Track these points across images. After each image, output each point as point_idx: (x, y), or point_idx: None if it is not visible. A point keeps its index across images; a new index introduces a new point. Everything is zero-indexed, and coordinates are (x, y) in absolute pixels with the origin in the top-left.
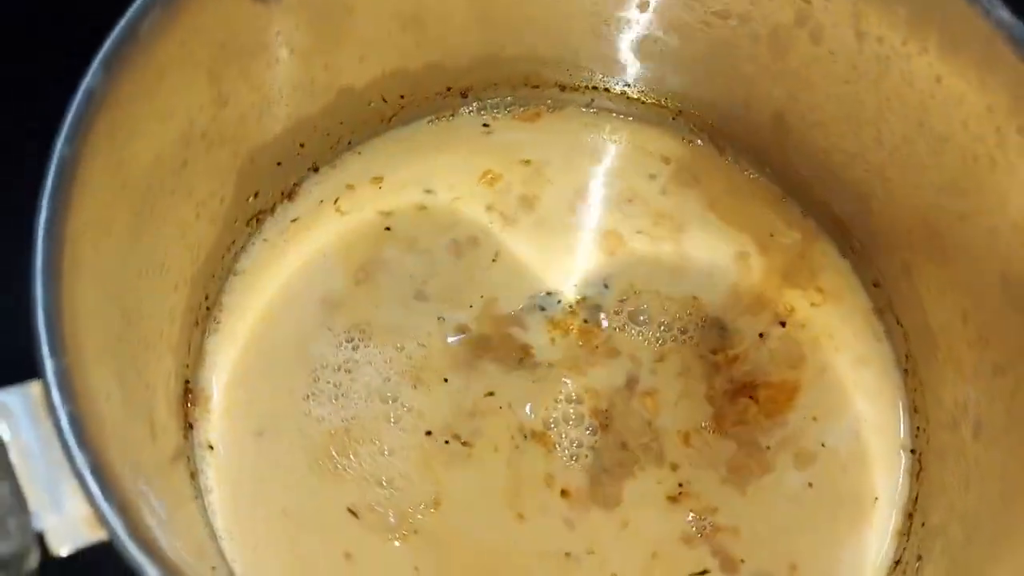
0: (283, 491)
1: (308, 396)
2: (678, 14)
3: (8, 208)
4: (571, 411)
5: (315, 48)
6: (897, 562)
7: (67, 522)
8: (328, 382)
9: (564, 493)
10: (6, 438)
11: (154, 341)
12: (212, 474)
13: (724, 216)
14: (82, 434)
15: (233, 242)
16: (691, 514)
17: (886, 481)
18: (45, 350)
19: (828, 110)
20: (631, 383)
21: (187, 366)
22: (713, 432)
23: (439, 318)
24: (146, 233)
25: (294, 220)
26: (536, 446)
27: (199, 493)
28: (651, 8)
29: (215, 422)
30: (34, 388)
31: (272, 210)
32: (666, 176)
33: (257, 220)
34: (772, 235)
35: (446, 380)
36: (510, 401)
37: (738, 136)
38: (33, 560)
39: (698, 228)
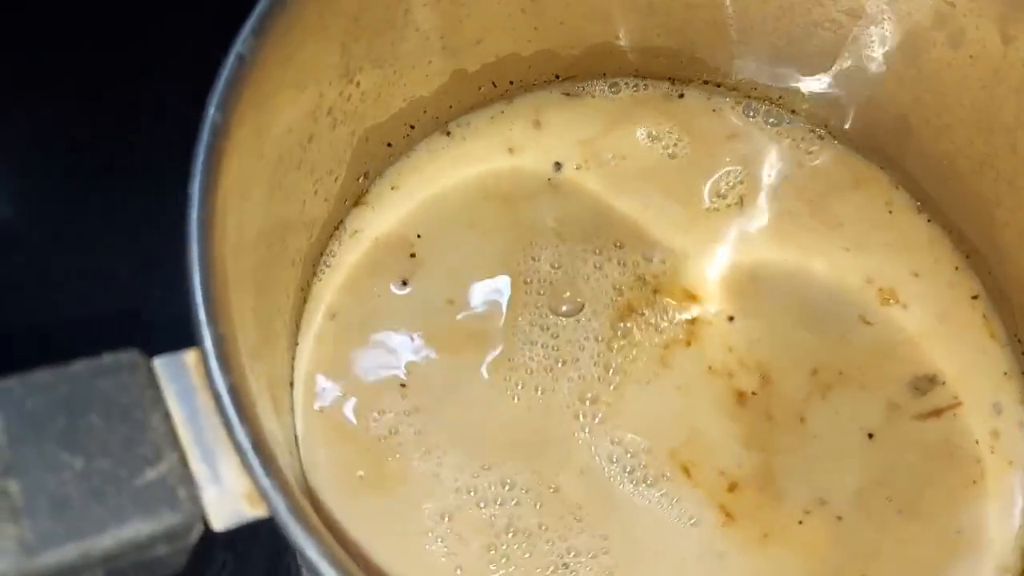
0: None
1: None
2: (807, 10)
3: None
4: None
5: (437, 29)
6: None
7: (226, 498)
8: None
9: None
10: (172, 407)
11: (275, 317)
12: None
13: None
14: (240, 407)
15: (341, 222)
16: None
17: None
18: (202, 317)
19: (958, 114)
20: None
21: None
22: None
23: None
24: (274, 206)
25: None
26: None
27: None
28: (778, 4)
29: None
30: (190, 357)
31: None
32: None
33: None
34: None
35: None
36: None
37: (854, 135)
38: (196, 534)
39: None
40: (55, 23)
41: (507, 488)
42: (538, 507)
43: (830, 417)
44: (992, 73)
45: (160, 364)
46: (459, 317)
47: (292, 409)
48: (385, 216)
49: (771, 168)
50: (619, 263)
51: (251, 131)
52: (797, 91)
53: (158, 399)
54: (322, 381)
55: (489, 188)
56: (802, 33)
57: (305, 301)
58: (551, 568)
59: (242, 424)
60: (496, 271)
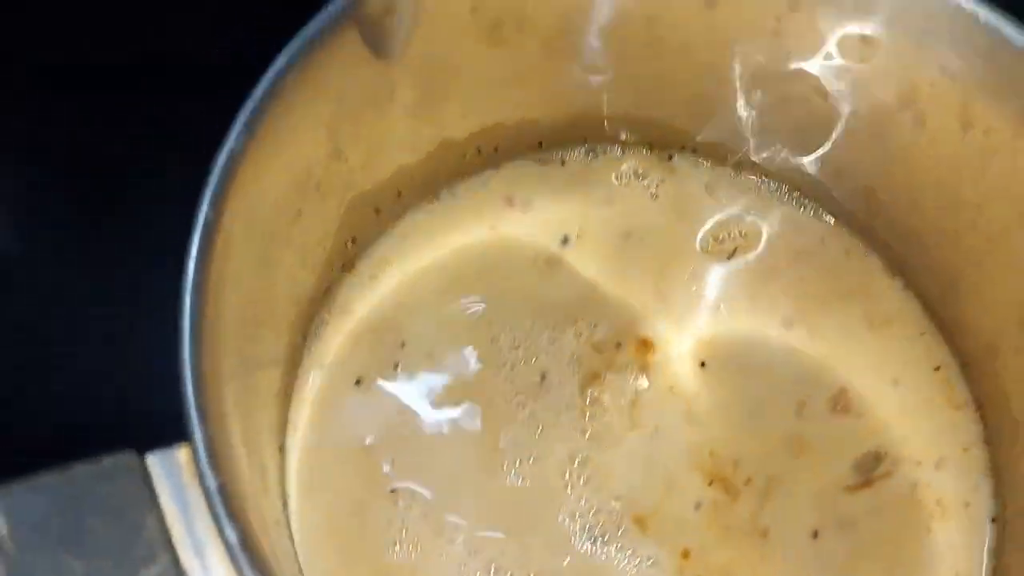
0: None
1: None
2: (778, 86)
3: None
4: None
5: (423, 104)
6: None
7: None
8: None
9: None
10: (164, 505)
11: (265, 396)
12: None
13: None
14: (230, 506)
15: (328, 288)
16: None
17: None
18: (194, 417)
19: (925, 191)
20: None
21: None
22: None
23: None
24: (263, 284)
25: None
26: None
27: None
28: (753, 83)
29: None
30: (181, 454)
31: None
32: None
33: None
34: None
35: None
36: None
37: (824, 201)
38: None
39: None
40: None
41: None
42: None
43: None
44: (953, 155)
45: (153, 461)
46: (439, 395)
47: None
48: (371, 288)
49: (742, 235)
50: (578, 335)
51: (242, 221)
52: (771, 159)
53: (152, 500)
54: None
55: (472, 259)
56: (776, 107)
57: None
58: None
59: (230, 522)
60: (472, 344)
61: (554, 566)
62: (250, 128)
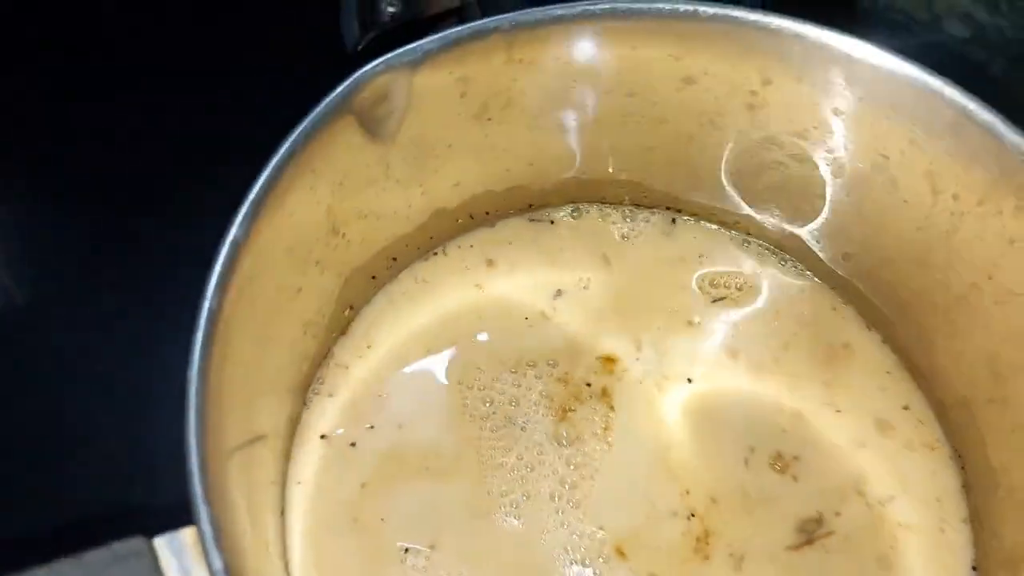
0: None
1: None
2: (754, 155)
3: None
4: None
5: (415, 179)
6: None
7: None
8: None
9: None
10: None
11: (265, 459)
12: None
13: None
14: None
15: (329, 350)
16: None
17: None
18: (199, 500)
19: (898, 250)
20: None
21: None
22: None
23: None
24: (265, 356)
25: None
26: None
27: None
28: (729, 147)
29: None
30: (187, 535)
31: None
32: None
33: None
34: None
35: None
36: None
37: (809, 261)
38: None
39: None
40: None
41: None
42: None
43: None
44: (924, 218)
45: (160, 543)
46: (429, 450)
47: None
48: (365, 351)
49: (727, 287)
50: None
51: (245, 303)
52: (751, 219)
53: None
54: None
55: (462, 315)
56: (754, 172)
57: (295, 432)
58: None
59: None
60: (458, 397)
61: None
62: (252, 216)
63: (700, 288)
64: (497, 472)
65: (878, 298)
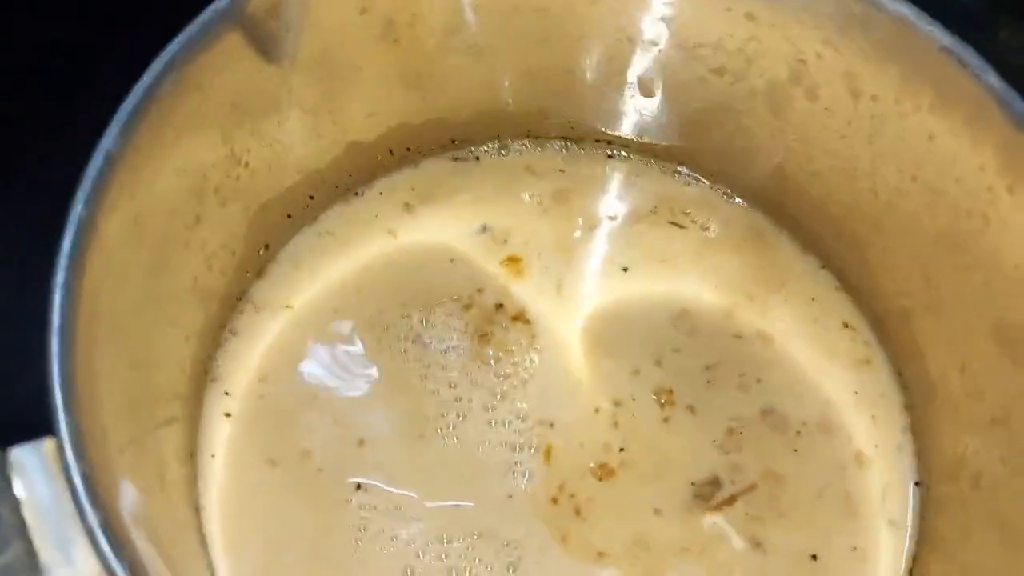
0: (292, 545)
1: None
2: (676, 72)
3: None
4: None
5: (324, 106)
6: None
7: None
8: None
9: None
10: (20, 496)
11: (167, 395)
12: (217, 531)
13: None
14: (93, 493)
15: (243, 293)
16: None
17: (887, 530)
18: (60, 408)
19: (824, 163)
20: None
21: (196, 420)
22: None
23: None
24: (160, 286)
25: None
26: None
27: (205, 546)
28: (650, 68)
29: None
30: (47, 445)
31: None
32: (663, 221)
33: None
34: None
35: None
36: None
37: (737, 183)
38: None
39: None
40: None
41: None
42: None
43: None
44: (846, 124)
45: (17, 453)
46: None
47: (196, 482)
48: (285, 289)
49: (649, 220)
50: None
51: (125, 221)
52: (679, 145)
53: (6, 489)
54: (234, 448)
55: (386, 255)
56: (678, 92)
57: (207, 372)
58: None
59: (94, 510)
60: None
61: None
62: (127, 129)
63: (627, 219)
64: (430, 398)
65: (810, 218)
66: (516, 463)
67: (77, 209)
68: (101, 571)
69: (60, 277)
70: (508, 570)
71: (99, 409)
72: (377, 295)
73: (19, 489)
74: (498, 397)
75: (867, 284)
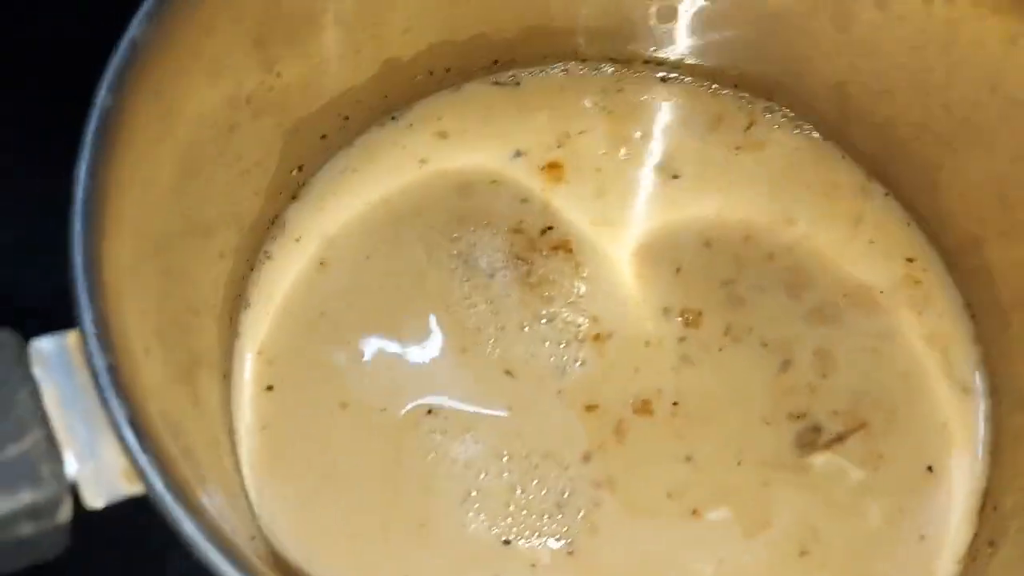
0: (326, 463)
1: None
2: None
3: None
4: None
5: (361, 19)
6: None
7: (102, 474)
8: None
9: None
10: (43, 385)
11: (199, 308)
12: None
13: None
14: (119, 385)
15: (276, 216)
16: None
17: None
18: (83, 297)
19: (893, 78)
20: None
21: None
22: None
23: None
24: (191, 194)
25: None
26: None
27: (239, 470)
28: None
29: (255, 402)
30: (71, 337)
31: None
32: (718, 142)
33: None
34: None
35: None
36: None
37: (797, 105)
38: (66, 512)
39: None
40: None
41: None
42: None
43: None
44: (919, 33)
45: (38, 344)
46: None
47: (229, 405)
48: (321, 212)
49: (701, 140)
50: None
51: (152, 117)
52: (733, 66)
53: (27, 377)
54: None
55: (424, 182)
56: (729, 7)
57: (241, 295)
58: None
59: (119, 401)
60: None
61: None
62: (152, 17)
63: (678, 142)
64: (469, 311)
65: (874, 141)
66: (565, 367)
67: (101, 95)
68: (127, 466)
69: (84, 162)
70: (563, 494)
71: (125, 306)
72: (413, 220)
73: (41, 380)
74: (543, 316)
75: (935, 212)
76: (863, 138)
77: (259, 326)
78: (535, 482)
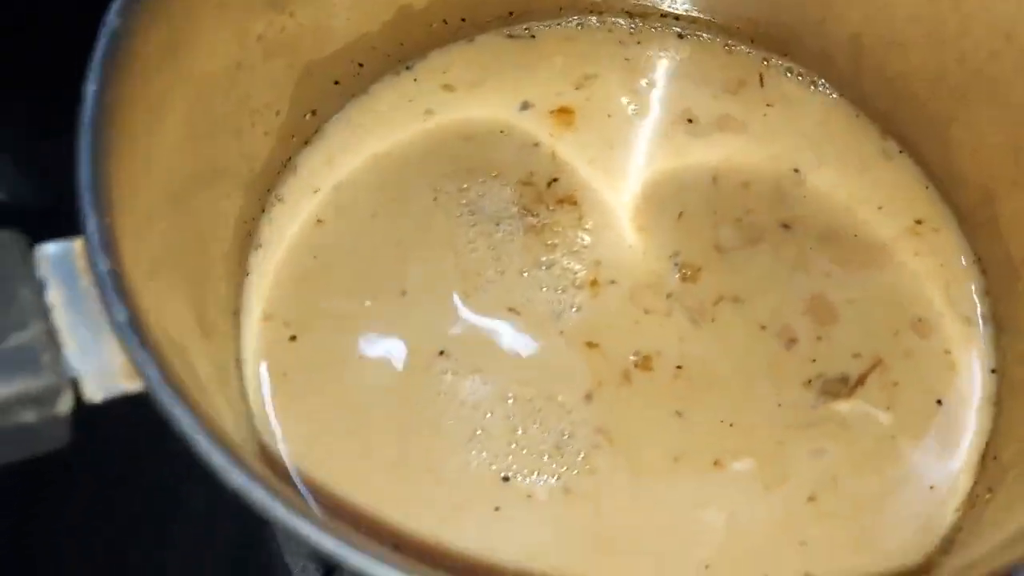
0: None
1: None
2: None
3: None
4: None
5: None
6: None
7: (103, 370)
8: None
9: None
10: (47, 286)
11: (207, 241)
12: (255, 387)
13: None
14: (120, 289)
15: (288, 159)
16: None
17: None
18: (87, 204)
19: (908, 30)
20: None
21: (240, 276)
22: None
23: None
24: (200, 129)
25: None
26: None
27: (244, 398)
28: None
29: (263, 338)
30: (76, 244)
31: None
32: (731, 96)
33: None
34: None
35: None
36: None
37: (811, 60)
38: (66, 402)
39: (764, 143)
40: None
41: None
42: None
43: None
44: None
45: (44, 249)
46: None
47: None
48: (333, 157)
49: (714, 94)
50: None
51: (161, 45)
52: (748, 20)
53: (29, 275)
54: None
55: (436, 131)
56: None
57: (252, 236)
58: None
59: (120, 303)
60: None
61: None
62: None
63: (691, 95)
64: (471, 254)
65: (888, 97)
66: (567, 309)
67: (109, 17)
68: (126, 363)
69: (93, 76)
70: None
71: (131, 224)
72: (423, 169)
73: (45, 281)
74: (544, 263)
75: (948, 168)
76: (878, 93)
77: (268, 266)
78: (536, 424)
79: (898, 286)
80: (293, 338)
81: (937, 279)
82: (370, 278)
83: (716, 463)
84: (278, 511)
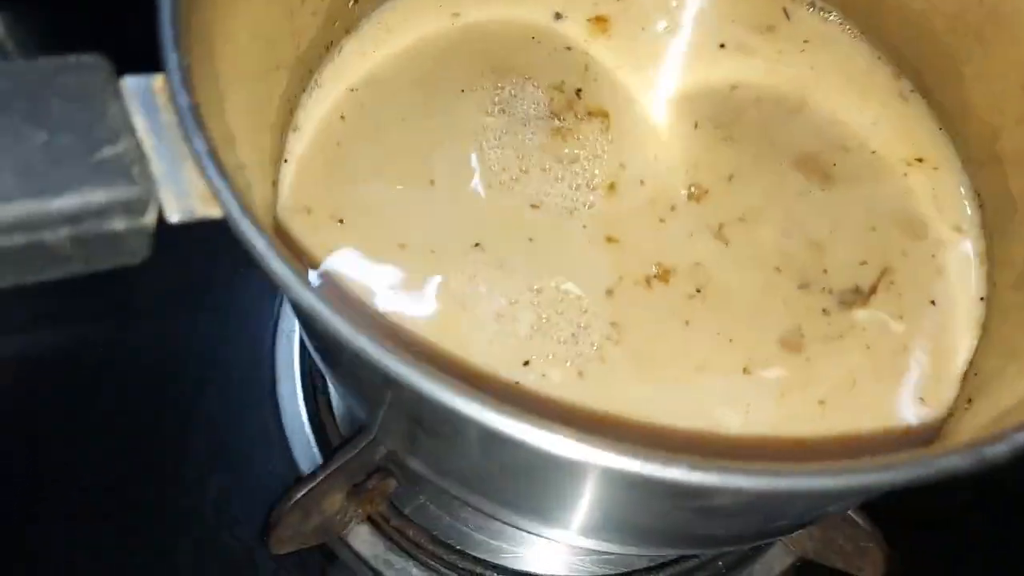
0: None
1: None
2: None
3: None
4: None
5: None
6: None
7: (182, 194)
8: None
9: None
10: (133, 112)
11: (260, 105)
12: None
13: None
14: (201, 122)
15: (331, 43)
16: None
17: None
18: (168, 40)
19: None
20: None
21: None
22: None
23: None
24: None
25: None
26: None
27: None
28: None
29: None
30: (157, 80)
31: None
32: (758, 31)
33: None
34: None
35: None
36: None
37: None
38: (152, 213)
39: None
40: None
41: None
42: None
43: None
44: None
45: (128, 80)
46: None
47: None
48: (374, 49)
49: (744, 20)
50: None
51: None
52: None
53: (117, 94)
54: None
55: (473, 32)
56: None
57: (291, 112)
58: None
59: (199, 131)
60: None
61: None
62: None
63: (719, 19)
64: (499, 151)
65: (911, 35)
66: (584, 206)
67: None
68: (204, 189)
69: None
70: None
71: (199, 66)
72: (459, 66)
73: (133, 104)
74: (567, 158)
75: (958, 105)
76: (897, 31)
77: (298, 148)
78: (560, 315)
79: (901, 206)
80: (341, 221)
81: (931, 203)
82: (400, 168)
83: (732, 368)
84: (361, 341)
